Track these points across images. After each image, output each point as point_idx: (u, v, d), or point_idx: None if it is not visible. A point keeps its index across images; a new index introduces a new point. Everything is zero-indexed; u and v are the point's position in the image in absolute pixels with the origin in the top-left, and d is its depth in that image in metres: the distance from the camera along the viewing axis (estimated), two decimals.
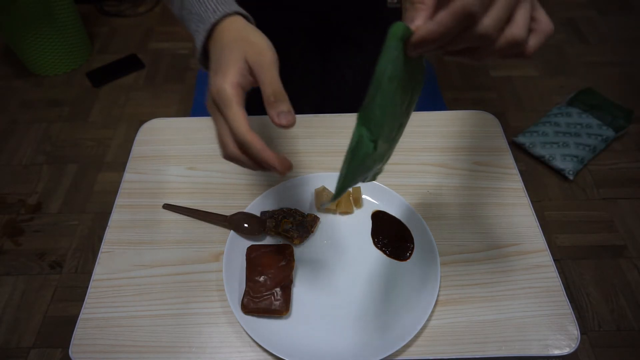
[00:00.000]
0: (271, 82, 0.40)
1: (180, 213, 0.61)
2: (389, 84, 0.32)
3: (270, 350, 0.47)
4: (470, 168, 0.65)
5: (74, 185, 1.46)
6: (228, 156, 0.42)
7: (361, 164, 0.35)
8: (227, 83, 0.39)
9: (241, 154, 0.41)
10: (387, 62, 0.30)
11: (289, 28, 0.83)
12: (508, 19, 0.29)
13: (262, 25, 0.57)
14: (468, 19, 0.27)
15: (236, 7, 0.46)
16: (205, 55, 0.47)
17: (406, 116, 0.40)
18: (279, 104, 0.39)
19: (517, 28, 0.29)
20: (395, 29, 0.30)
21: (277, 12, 0.79)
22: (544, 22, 0.31)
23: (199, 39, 0.46)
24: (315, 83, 0.88)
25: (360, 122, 0.32)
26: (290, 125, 0.39)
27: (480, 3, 0.27)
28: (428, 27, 0.28)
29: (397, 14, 0.89)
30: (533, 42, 0.31)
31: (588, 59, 1.82)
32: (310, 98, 0.87)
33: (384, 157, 0.41)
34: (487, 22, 0.28)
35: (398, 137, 0.42)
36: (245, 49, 0.41)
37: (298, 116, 0.72)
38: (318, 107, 0.85)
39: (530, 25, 0.30)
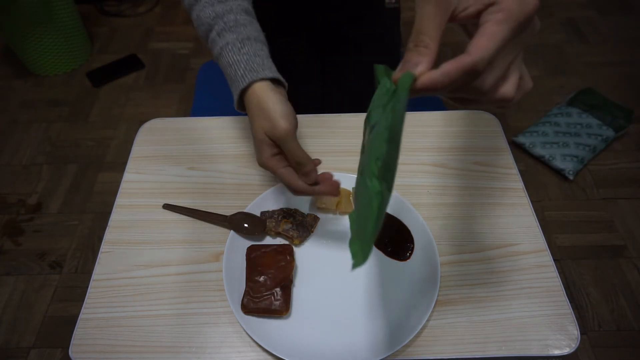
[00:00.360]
0: (290, 154, 0.50)
1: (180, 213, 0.61)
2: (401, 135, 0.31)
3: (270, 350, 0.47)
4: (470, 168, 0.65)
5: (74, 185, 1.46)
6: (296, 193, 0.53)
7: (383, 215, 0.33)
8: (265, 159, 0.51)
9: (304, 191, 0.52)
10: (400, 117, 0.30)
11: (288, 29, 0.83)
12: (504, 77, 0.31)
13: (261, 26, 0.58)
14: (473, 76, 0.29)
15: (262, 72, 0.51)
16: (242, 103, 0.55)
17: None
18: (302, 167, 0.50)
19: (510, 87, 0.31)
20: (405, 81, 0.29)
21: (275, 13, 0.79)
22: (527, 80, 0.33)
23: (234, 98, 0.54)
24: (314, 84, 0.88)
25: (379, 181, 0.31)
26: (314, 180, 0.51)
27: (488, 63, 0.28)
28: (433, 77, 0.29)
29: (395, 14, 0.89)
30: (516, 97, 0.32)
31: (588, 59, 1.82)
32: (310, 98, 0.87)
33: None
34: (488, 80, 0.29)
35: None
36: (262, 125, 0.50)
37: (299, 116, 0.72)
38: (318, 108, 0.85)
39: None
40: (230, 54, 0.52)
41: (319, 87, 0.89)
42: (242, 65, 0.52)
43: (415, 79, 0.30)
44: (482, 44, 0.28)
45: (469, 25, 0.32)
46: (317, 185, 0.52)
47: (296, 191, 0.52)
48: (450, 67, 0.28)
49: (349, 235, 0.58)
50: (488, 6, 0.29)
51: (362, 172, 0.37)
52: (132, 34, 2.00)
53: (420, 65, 0.30)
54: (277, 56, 0.57)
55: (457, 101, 0.33)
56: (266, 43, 0.56)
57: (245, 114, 0.54)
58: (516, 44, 0.29)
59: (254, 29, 0.55)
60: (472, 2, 0.30)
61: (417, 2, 0.30)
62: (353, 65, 0.86)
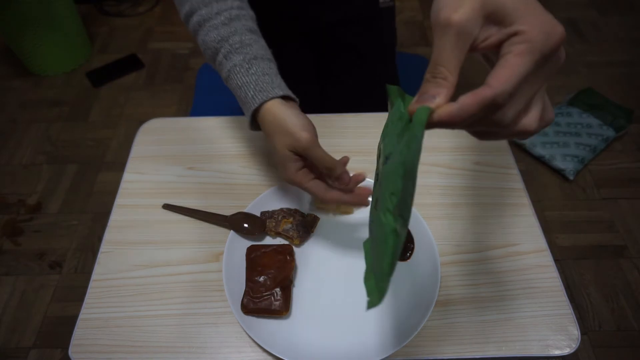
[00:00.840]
0: (319, 161, 0.50)
1: (180, 213, 0.61)
2: (416, 171, 0.29)
3: (270, 351, 0.47)
4: (470, 168, 0.65)
5: (74, 185, 1.45)
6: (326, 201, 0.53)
7: (399, 253, 0.32)
8: (291, 174, 0.51)
9: (336, 200, 0.53)
10: (416, 154, 0.28)
11: (282, 33, 0.82)
12: (525, 109, 0.29)
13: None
14: (493, 110, 0.27)
15: (272, 91, 0.52)
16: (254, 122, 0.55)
17: None
18: (333, 172, 0.50)
19: (531, 120, 0.29)
20: (421, 115, 0.28)
21: (269, 17, 0.79)
22: (549, 112, 0.31)
23: (247, 119, 0.54)
24: (312, 86, 0.88)
25: (394, 217, 0.30)
26: (348, 182, 0.51)
27: (509, 96, 0.27)
28: (450, 111, 0.27)
29: (390, 12, 0.88)
30: (537, 129, 0.31)
31: (588, 59, 1.82)
32: (309, 100, 0.87)
33: None
34: (509, 113, 0.28)
35: None
36: (284, 141, 0.50)
37: None
38: (317, 110, 0.85)
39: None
40: (238, 76, 0.52)
41: (317, 89, 0.89)
42: (252, 87, 0.52)
43: (431, 113, 0.28)
44: (503, 76, 0.26)
45: (490, 53, 0.31)
46: (349, 194, 0.52)
47: (328, 202, 0.53)
48: (468, 100, 0.27)
49: (349, 235, 0.58)
50: (511, 36, 0.27)
51: (376, 205, 0.37)
52: (132, 34, 2.00)
53: (437, 98, 0.28)
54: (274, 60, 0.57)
55: (475, 134, 0.32)
56: (273, 60, 0.56)
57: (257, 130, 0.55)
58: (539, 75, 0.28)
59: (260, 47, 0.55)
60: (493, 32, 0.28)
61: (435, 32, 0.29)
62: (350, 66, 0.86)
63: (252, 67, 0.52)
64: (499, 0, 0.27)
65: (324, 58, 0.88)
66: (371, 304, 0.31)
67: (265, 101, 0.51)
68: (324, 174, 0.52)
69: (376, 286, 0.32)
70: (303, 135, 0.49)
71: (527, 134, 0.30)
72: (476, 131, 0.31)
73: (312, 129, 0.51)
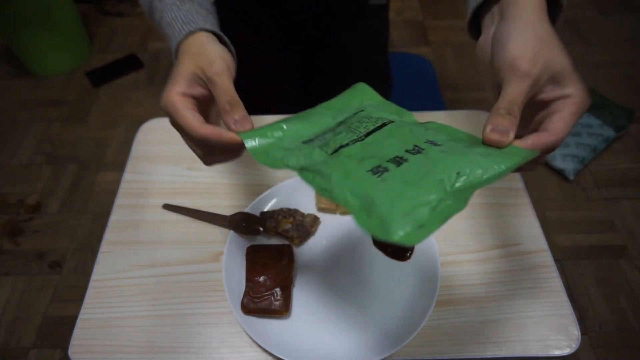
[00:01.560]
0: (224, 91, 0.40)
1: (180, 213, 0.61)
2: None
3: (270, 351, 0.47)
4: None
5: (74, 185, 1.45)
6: (206, 162, 0.43)
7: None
8: (172, 93, 0.40)
9: (215, 154, 0.41)
10: (496, 177, 0.32)
11: (266, 28, 0.81)
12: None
13: (241, 30, 0.55)
14: (548, 151, 0.35)
15: (202, 24, 0.45)
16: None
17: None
18: (234, 112, 0.39)
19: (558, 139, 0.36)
20: (528, 155, 0.33)
21: (254, 16, 0.78)
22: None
23: (173, 60, 0.46)
24: (297, 85, 0.87)
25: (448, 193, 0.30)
26: (248, 130, 0.39)
27: (561, 142, 0.35)
28: (526, 146, 0.34)
29: (382, 11, 0.86)
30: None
31: (588, 59, 1.82)
32: (294, 100, 0.86)
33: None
34: (551, 153, 0.36)
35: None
36: (194, 62, 0.41)
37: (280, 116, 0.71)
38: (301, 109, 0.84)
39: None
40: (170, 13, 0.46)
41: (300, 90, 0.87)
42: (181, 20, 0.45)
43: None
44: (561, 128, 0.34)
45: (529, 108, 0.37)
46: (223, 133, 0.39)
47: (201, 136, 0.39)
48: (537, 140, 0.34)
49: (349, 235, 0.58)
50: (564, 96, 0.35)
51: (360, 162, 0.33)
52: (132, 33, 2.00)
53: (511, 133, 0.34)
54: (256, 60, 0.54)
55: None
56: (213, 13, 0.50)
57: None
58: (574, 122, 0.35)
59: None
60: (549, 89, 0.35)
61: (509, 74, 0.35)
62: (336, 64, 0.84)
63: (185, 4, 0.47)
64: (559, 65, 0.35)
65: (309, 56, 0.85)
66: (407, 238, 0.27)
67: (192, 32, 0.44)
68: (222, 111, 0.40)
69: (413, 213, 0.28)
70: (219, 61, 0.41)
71: (554, 148, 0.37)
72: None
73: (233, 65, 0.43)
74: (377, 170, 0.31)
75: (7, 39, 1.69)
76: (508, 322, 0.51)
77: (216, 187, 0.63)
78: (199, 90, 0.42)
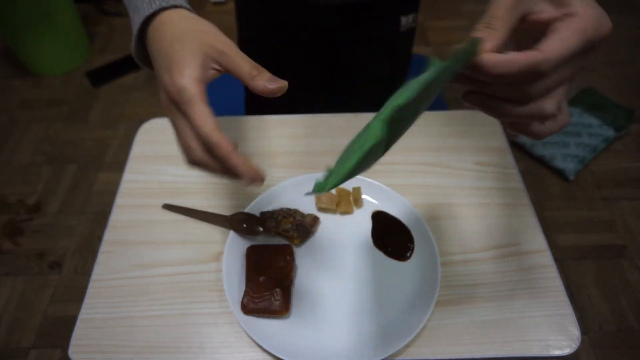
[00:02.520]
0: (244, 58, 0.36)
1: (180, 213, 0.61)
2: (432, 91, 0.28)
3: (270, 351, 0.47)
4: (471, 168, 0.65)
5: (74, 185, 1.45)
6: (193, 161, 0.37)
7: (367, 163, 0.31)
8: (187, 79, 0.35)
9: (209, 158, 0.36)
10: (442, 73, 0.27)
11: (294, 48, 0.79)
12: (549, 91, 0.30)
13: (267, 36, 0.51)
14: (532, 75, 0.28)
15: (179, 1, 0.40)
16: (143, 52, 0.42)
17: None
18: (264, 73, 0.36)
19: (551, 105, 0.30)
20: (471, 46, 0.28)
21: (284, 32, 0.76)
22: (565, 115, 0.32)
23: (134, 32, 0.41)
24: (315, 92, 0.86)
25: (386, 122, 0.28)
26: (283, 89, 0.36)
27: (553, 66, 0.27)
28: (498, 58, 0.28)
29: (411, 34, 0.84)
30: (550, 127, 0.32)
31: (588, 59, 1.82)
32: (309, 105, 0.85)
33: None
34: (540, 86, 0.28)
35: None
36: (201, 39, 0.37)
37: (298, 116, 0.72)
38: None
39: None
40: None
41: (318, 96, 0.86)
42: None
43: (478, 49, 0.28)
44: (555, 46, 0.27)
45: (523, 36, 0.32)
46: (235, 155, 0.35)
47: (204, 144, 0.35)
48: (518, 56, 0.27)
49: (349, 235, 0.58)
50: (566, 15, 0.28)
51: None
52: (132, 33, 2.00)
53: (486, 42, 0.28)
54: (277, 65, 0.51)
55: (488, 106, 0.32)
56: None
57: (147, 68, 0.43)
58: (577, 61, 0.29)
59: None
60: (547, 8, 0.30)
61: None
62: (359, 78, 0.83)
63: None
64: None
65: (331, 72, 0.84)
66: (317, 188, 0.30)
67: (165, 8, 0.39)
68: (248, 78, 0.36)
69: (330, 176, 0.31)
70: (220, 33, 0.38)
71: (542, 117, 0.30)
72: (495, 97, 0.31)
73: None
74: None
75: (7, 39, 1.70)
76: (508, 322, 0.51)
77: (216, 187, 0.63)
78: (210, 74, 0.37)
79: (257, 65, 0.37)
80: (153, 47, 0.39)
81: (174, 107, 0.36)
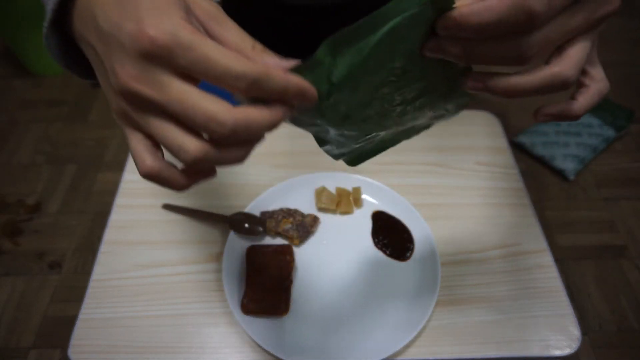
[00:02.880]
0: (240, 30, 0.25)
1: (180, 213, 0.61)
2: (395, 41, 0.23)
3: (270, 351, 0.47)
4: (471, 168, 0.65)
5: (74, 185, 1.45)
6: (192, 162, 0.25)
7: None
8: (176, 17, 0.21)
9: (232, 140, 0.24)
10: (415, 17, 0.22)
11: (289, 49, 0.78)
12: (560, 46, 0.24)
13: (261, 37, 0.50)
14: (524, 25, 0.22)
15: None
16: (58, 28, 0.27)
17: (402, 116, 0.32)
18: (267, 50, 0.25)
19: (568, 65, 0.24)
20: None
21: (273, 40, 0.75)
22: (598, 81, 0.26)
23: (49, 10, 0.26)
24: None
25: (328, 44, 0.24)
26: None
27: (546, 12, 0.21)
28: (473, 8, 0.22)
29: None
30: (583, 100, 0.26)
31: None
32: None
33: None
34: (538, 37, 0.23)
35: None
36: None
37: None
38: None
39: (582, 79, 0.26)
40: None
41: None
42: None
43: (450, 8, 0.23)
44: None
45: None
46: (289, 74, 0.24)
47: (250, 91, 0.23)
48: (497, 0, 0.21)
49: (349, 235, 0.58)
50: None
51: None
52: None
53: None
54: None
55: (477, 79, 0.26)
56: None
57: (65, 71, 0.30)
58: (584, 9, 0.23)
59: None
60: None
61: None
62: None
63: None
64: None
65: None
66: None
67: None
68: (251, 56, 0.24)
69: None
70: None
71: (563, 85, 0.24)
72: (483, 74, 0.26)
73: None
74: None
75: (7, 39, 1.69)
76: (508, 322, 0.51)
77: (216, 187, 0.63)
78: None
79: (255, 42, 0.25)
80: (92, 5, 0.23)
81: (148, 86, 0.22)
